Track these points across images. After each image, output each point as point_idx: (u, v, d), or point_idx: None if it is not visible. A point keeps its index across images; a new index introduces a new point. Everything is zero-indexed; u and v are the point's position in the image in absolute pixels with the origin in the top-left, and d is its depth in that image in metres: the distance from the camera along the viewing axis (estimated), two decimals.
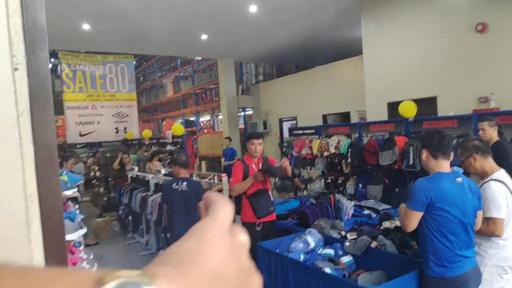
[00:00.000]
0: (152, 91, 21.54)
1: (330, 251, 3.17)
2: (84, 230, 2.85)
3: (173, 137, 11.55)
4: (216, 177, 6.71)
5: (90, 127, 12.73)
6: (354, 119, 10.38)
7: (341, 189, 6.00)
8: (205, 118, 18.50)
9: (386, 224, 3.54)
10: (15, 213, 0.71)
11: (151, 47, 11.84)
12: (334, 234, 3.54)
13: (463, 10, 7.00)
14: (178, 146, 11.51)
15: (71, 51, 12.24)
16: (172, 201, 4.22)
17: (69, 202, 3.91)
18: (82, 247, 2.94)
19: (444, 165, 2.32)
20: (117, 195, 7.34)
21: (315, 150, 6.38)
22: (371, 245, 3.06)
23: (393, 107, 7.64)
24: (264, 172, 3.61)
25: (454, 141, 4.19)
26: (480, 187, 2.49)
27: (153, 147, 11.88)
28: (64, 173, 4.59)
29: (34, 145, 0.73)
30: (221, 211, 0.29)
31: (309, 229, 3.44)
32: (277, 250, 3.26)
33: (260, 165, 3.69)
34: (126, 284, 0.20)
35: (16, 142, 0.70)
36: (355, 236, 3.34)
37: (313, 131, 6.96)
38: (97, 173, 10.28)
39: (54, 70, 14.30)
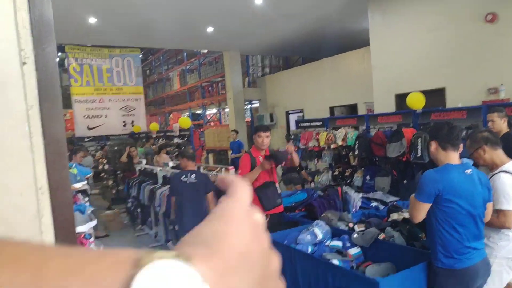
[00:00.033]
0: (159, 84, 21.60)
1: (338, 243, 3.17)
2: (94, 222, 2.88)
3: (180, 130, 11.59)
4: (223, 169, 6.74)
5: (98, 120, 12.82)
6: (362, 111, 10.31)
7: (348, 181, 5.98)
8: (211, 111, 18.51)
9: (394, 216, 3.53)
10: (27, 206, 0.72)
11: (157, 40, 11.84)
12: (342, 226, 3.54)
13: (472, 0, 6.87)
14: (185, 139, 11.56)
15: (77, 45, 12.28)
16: (181, 193, 4.25)
17: (79, 195, 3.96)
18: (92, 239, 2.98)
19: (453, 157, 2.30)
20: (126, 188, 7.41)
21: (322, 143, 6.35)
22: (379, 237, 3.06)
23: (401, 98, 7.58)
24: (270, 158, 3.58)
25: (463, 133, 4.15)
26: (489, 179, 2.47)
27: (160, 140, 11.94)
28: (73, 166, 4.64)
29: (44, 138, 0.73)
30: (240, 192, 0.29)
31: (316, 221, 3.45)
32: (285, 242, 3.27)
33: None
34: (165, 265, 0.21)
35: (26, 135, 0.70)
36: (363, 228, 3.34)
37: (320, 123, 6.93)
38: (106, 166, 10.37)
39: (61, 64, 14.39)
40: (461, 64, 7.01)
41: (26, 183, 0.72)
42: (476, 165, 2.61)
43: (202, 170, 6.39)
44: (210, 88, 17.18)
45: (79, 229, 2.59)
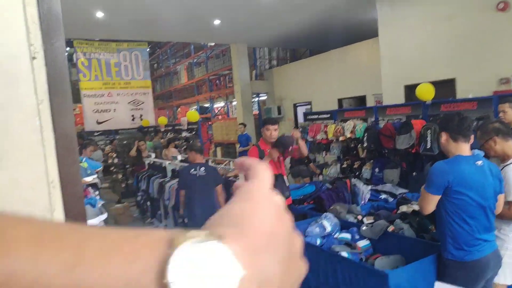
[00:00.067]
0: (167, 78, 21.64)
1: (346, 235, 3.17)
2: (105, 215, 2.92)
3: (188, 123, 11.64)
4: (231, 162, 6.76)
5: (107, 114, 12.90)
6: (370, 102, 10.22)
7: (357, 173, 5.95)
8: (219, 105, 18.52)
9: (404, 208, 3.51)
10: (38, 200, 0.73)
11: (164, 33, 11.83)
12: (351, 218, 3.54)
13: None
14: (194, 132, 11.61)
15: (85, 39, 12.34)
16: (191, 186, 4.29)
17: (89, 189, 4.01)
18: None
19: (464, 148, 2.28)
20: (135, 182, 7.48)
21: (330, 135, 6.32)
22: (388, 229, 3.05)
23: (410, 89, 7.48)
24: (277, 146, 3.56)
25: (474, 124, 4.09)
26: (501, 170, 2.44)
27: (168, 134, 12.01)
28: (83, 160, 4.69)
29: (54, 132, 0.74)
30: (262, 174, 0.29)
31: (325, 213, 3.45)
32: None
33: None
34: (198, 244, 0.21)
35: (37, 129, 0.71)
36: (372, 221, 3.33)
37: (328, 115, 6.89)
38: (115, 160, 10.47)
39: (69, 58, 14.47)
40: (472, 54, 6.89)
41: (37, 177, 0.73)
42: (487, 156, 2.58)
43: (210, 163, 6.42)
44: (217, 81, 17.17)
45: (90, 222, 2.63)
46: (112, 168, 10.27)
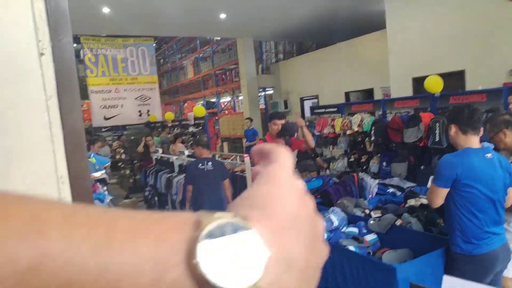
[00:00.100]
0: (173, 73, 21.67)
1: (354, 230, 3.16)
2: None
3: (195, 118, 11.68)
4: (238, 157, 6.77)
5: (114, 110, 12.97)
6: (378, 95, 10.14)
7: (364, 167, 5.93)
8: (225, 99, 18.52)
9: (411, 202, 3.49)
10: (48, 195, 0.74)
11: (170, 28, 11.82)
12: (358, 212, 3.53)
13: None
14: (200, 127, 11.64)
15: (92, 35, 12.39)
16: (199, 181, 4.32)
17: (98, 184, 4.05)
18: None
19: (473, 141, 2.25)
20: (143, 177, 7.54)
21: (337, 129, 6.29)
22: (396, 223, 3.04)
23: (418, 82, 7.41)
24: (282, 133, 3.54)
25: (483, 116, 4.04)
26: (511, 163, 2.41)
27: (175, 129, 12.06)
28: (91, 156, 4.73)
29: (63, 128, 0.75)
30: (283, 158, 0.29)
31: (332, 208, 3.44)
32: None
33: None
34: (225, 226, 0.22)
35: (45, 125, 0.72)
36: (379, 214, 3.32)
37: (335, 109, 6.85)
38: (123, 156, 10.55)
39: (76, 55, 14.56)
40: (481, 45, 6.79)
41: (47, 173, 0.73)
42: (496, 149, 2.55)
43: (217, 158, 6.44)
44: (223, 76, 17.15)
45: None
46: (120, 164, 10.35)
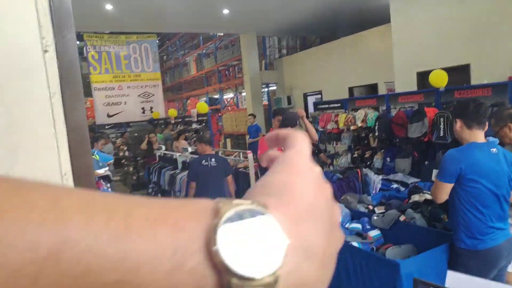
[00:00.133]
0: (176, 70, 21.67)
1: (357, 226, 3.16)
2: None
3: (198, 115, 11.66)
4: (241, 154, 6.77)
5: (117, 107, 12.99)
6: (382, 91, 10.09)
7: (368, 163, 5.91)
8: (228, 96, 18.50)
9: (415, 198, 3.49)
10: None
11: (173, 24, 11.81)
12: (361, 208, 3.53)
13: None
14: (203, 124, 11.63)
15: (95, 32, 12.40)
16: (203, 177, 4.34)
17: (101, 181, 4.07)
18: None
19: (479, 136, 2.24)
20: (146, 174, 7.56)
21: (341, 125, 6.27)
22: (399, 218, 3.04)
23: (422, 76, 7.36)
24: (284, 124, 3.53)
25: (489, 111, 4.01)
26: None
27: (179, 126, 12.06)
28: (95, 153, 4.75)
29: (66, 125, 0.75)
30: (300, 143, 0.29)
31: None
32: None
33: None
34: (244, 212, 0.22)
35: (49, 122, 0.72)
36: (383, 210, 3.32)
37: (339, 104, 6.82)
38: (126, 153, 10.58)
39: (80, 52, 14.53)
40: (486, 39, 6.73)
41: (50, 170, 0.74)
42: (501, 144, 2.54)
43: (220, 155, 6.44)
44: (226, 72, 17.13)
45: None
46: (123, 161, 10.38)
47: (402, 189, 4.19)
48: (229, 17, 10.80)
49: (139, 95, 13.31)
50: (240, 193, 4.54)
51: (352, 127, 6.09)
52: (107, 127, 12.99)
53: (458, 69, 6.97)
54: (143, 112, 13.37)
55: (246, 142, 11.92)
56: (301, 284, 0.22)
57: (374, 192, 4.16)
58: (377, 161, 5.75)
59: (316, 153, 6.63)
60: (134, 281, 0.19)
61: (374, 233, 3.05)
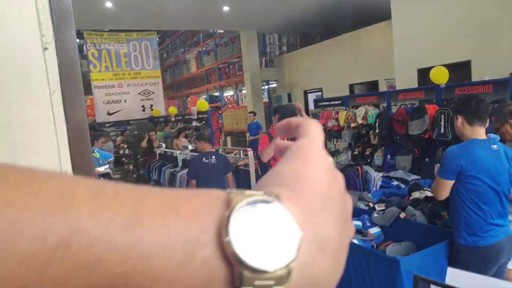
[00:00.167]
0: (176, 68, 21.65)
1: (357, 223, 3.17)
2: None
3: (198, 113, 11.67)
4: (241, 151, 6.77)
5: (117, 105, 12.98)
6: (382, 88, 10.07)
7: (368, 160, 5.92)
8: (229, 93, 18.49)
9: (416, 195, 3.49)
10: None
11: (173, 22, 11.79)
12: (362, 205, 3.53)
13: None
14: (204, 122, 11.64)
15: (95, 30, 12.37)
16: (204, 175, 4.35)
17: (102, 179, 4.07)
18: None
19: (480, 132, 2.24)
20: (146, 172, 7.57)
21: (341, 122, 6.27)
22: (400, 216, 3.04)
23: (423, 73, 7.35)
24: (283, 116, 3.52)
25: (490, 107, 4.01)
26: None
27: (179, 123, 12.07)
28: (95, 151, 4.76)
29: (67, 123, 0.75)
30: (314, 131, 0.28)
31: None
32: None
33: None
34: (257, 202, 0.21)
35: (50, 120, 0.72)
36: (383, 207, 3.32)
37: (340, 102, 6.81)
38: (126, 151, 10.59)
39: (80, 50, 14.56)
40: (487, 35, 6.71)
41: (51, 167, 0.74)
42: (502, 140, 2.54)
43: (220, 153, 6.45)
44: (226, 69, 17.11)
45: None
46: (123, 159, 10.39)
47: (403, 186, 4.19)
48: (229, 14, 10.78)
49: (139, 93, 13.30)
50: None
51: (352, 124, 6.08)
52: (107, 125, 12.98)
53: (459, 65, 6.96)
54: (143, 110, 13.36)
55: (246, 139, 11.92)
56: (314, 277, 0.22)
57: (374, 189, 4.17)
58: (378, 158, 5.75)
59: None
60: (144, 272, 0.19)
61: (374, 230, 3.05)
